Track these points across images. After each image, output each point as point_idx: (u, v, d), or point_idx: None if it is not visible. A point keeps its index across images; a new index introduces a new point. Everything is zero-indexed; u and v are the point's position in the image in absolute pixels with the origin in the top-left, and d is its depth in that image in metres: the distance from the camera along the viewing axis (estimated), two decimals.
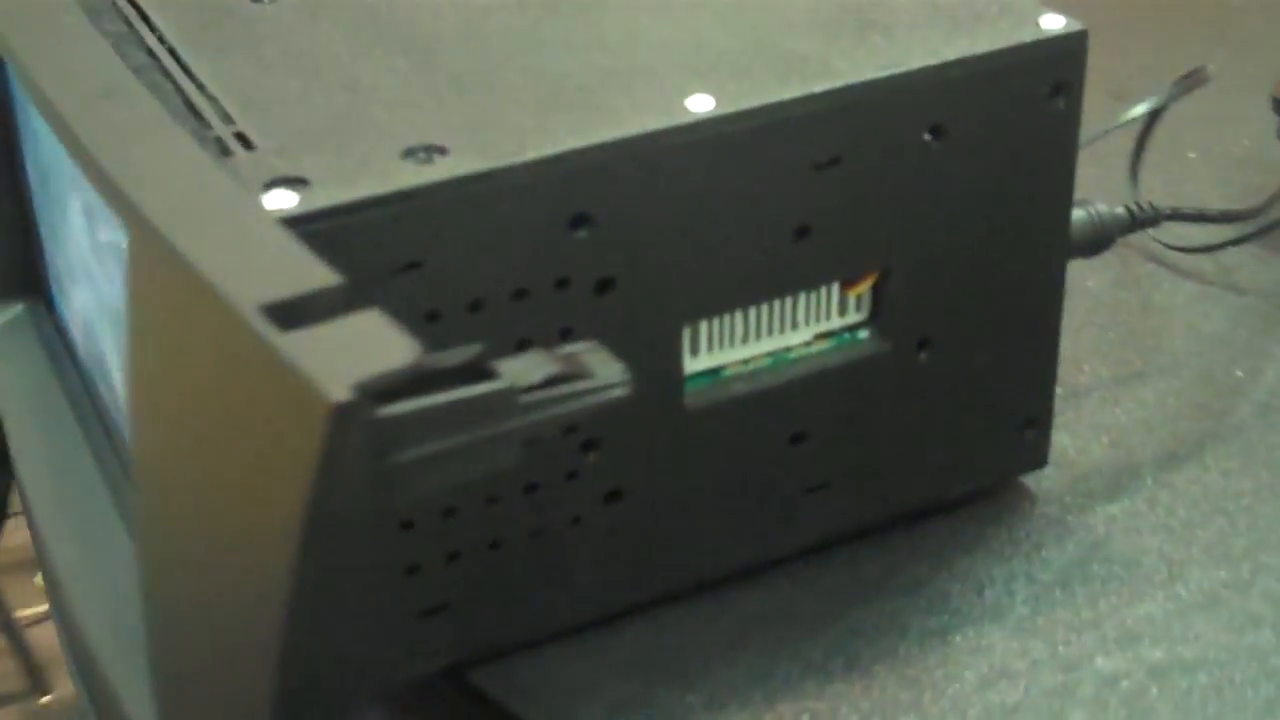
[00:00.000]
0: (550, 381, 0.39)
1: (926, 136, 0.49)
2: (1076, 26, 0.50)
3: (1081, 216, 0.55)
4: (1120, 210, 0.56)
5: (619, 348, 0.47)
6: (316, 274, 0.37)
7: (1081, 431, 0.59)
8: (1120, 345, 0.63)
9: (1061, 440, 0.58)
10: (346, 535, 0.37)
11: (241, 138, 0.45)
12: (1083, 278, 0.66)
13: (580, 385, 0.39)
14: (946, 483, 0.54)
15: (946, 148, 0.49)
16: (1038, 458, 0.56)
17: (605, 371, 0.39)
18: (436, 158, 0.44)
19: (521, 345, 0.46)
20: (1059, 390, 0.59)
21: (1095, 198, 0.57)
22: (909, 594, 0.52)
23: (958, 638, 0.51)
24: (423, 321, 0.44)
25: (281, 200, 0.42)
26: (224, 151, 0.45)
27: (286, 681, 0.38)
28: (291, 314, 0.36)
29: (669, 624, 0.51)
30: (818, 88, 0.47)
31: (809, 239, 0.48)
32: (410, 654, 0.49)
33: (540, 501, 0.48)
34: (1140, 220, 0.56)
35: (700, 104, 0.46)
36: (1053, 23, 0.50)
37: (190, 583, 0.41)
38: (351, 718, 0.43)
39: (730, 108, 0.46)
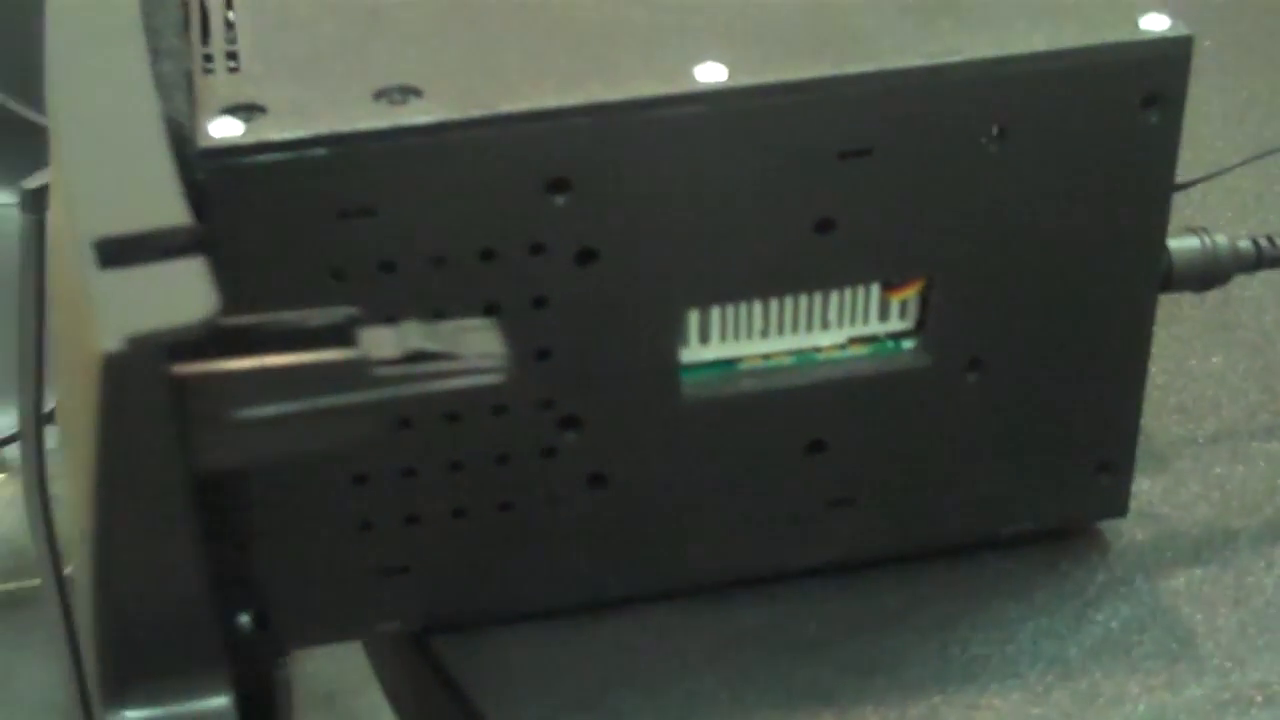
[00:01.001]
0: (413, 357, 0.36)
1: (983, 138, 0.44)
2: (1182, 31, 0.44)
3: (1192, 246, 0.48)
4: (1245, 243, 0.49)
5: (602, 325, 0.44)
6: (163, 212, 0.35)
7: (1191, 482, 0.52)
8: (1276, 392, 0.55)
9: (1164, 489, 0.52)
10: (155, 484, 0.35)
11: (232, 57, 0.43)
12: (1261, 309, 0.59)
13: (445, 365, 0.36)
14: (997, 518, 0.49)
15: (1008, 152, 0.44)
16: (1114, 505, 0.50)
17: (481, 353, 0.36)
18: (411, 99, 0.42)
19: (489, 309, 0.43)
20: (1179, 431, 0.54)
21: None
22: (923, 634, 0.48)
23: (957, 692, 0.46)
24: (377, 271, 0.42)
25: (227, 128, 0.41)
26: (207, 70, 0.43)
27: (106, 621, 0.37)
28: (117, 251, 0.34)
29: (653, 624, 0.48)
30: (850, 69, 0.43)
31: (833, 234, 0.44)
32: (370, 611, 0.47)
33: (511, 475, 0.45)
34: (1269, 258, 0.49)
35: (710, 73, 0.42)
36: (1154, 24, 0.44)
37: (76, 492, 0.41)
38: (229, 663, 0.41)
39: (743, 81, 0.42)
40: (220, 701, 0.39)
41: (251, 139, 0.40)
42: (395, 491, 0.45)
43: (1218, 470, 0.53)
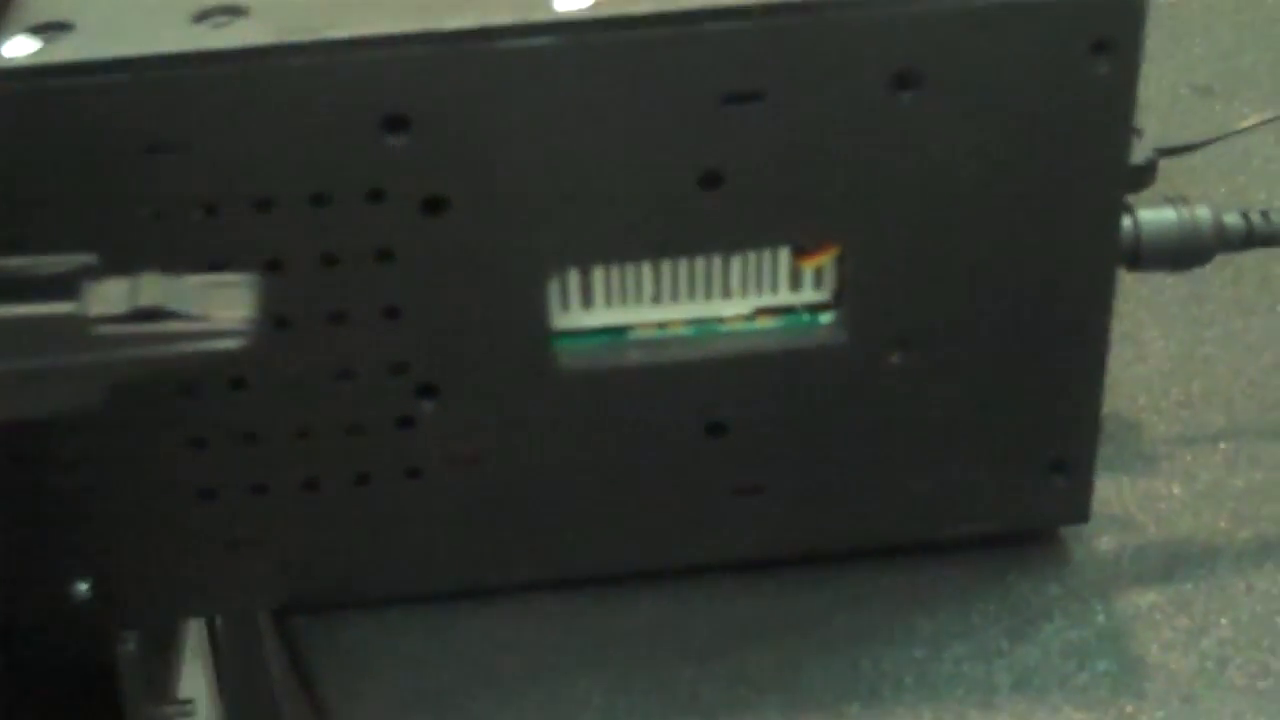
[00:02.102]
0: (143, 314, 0.32)
1: (892, 85, 0.38)
2: None
3: (1166, 218, 0.42)
4: (1233, 218, 0.43)
5: (458, 282, 0.39)
6: None
7: (1178, 488, 0.46)
8: None
9: (1144, 493, 0.46)
10: None
11: None
12: None
13: (177, 326, 0.32)
14: (933, 519, 0.43)
15: (924, 102, 0.38)
16: (1072, 510, 0.44)
17: (223, 314, 0.32)
18: (235, 21, 0.37)
19: (327, 260, 0.39)
20: (1176, 428, 0.47)
21: None
22: (830, 646, 0.42)
23: (857, 715, 0.41)
24: (198, 213, 0.38)
25: (19, 47, 0.36)
26: None
27: None
28: None
29: (531, 617, 0.43)
30: (730, 1, 0.37)
31: (721, 189, 0.39)
32: (221, 586, 0.43)
33: (367, 445, 0.41)
34: (1260, 235, 0.42)
35: (570, 1, 0.37)
36: None
37: None
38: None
39: (606, 11, 0.37)
40: None
41: (42, 60, 0.36)
42: (237, 458, 0.41)
43: (1210, 475, 0.46)
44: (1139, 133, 0.43)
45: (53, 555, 0.41)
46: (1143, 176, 0.42)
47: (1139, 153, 0.42)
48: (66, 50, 0.36)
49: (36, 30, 0.37)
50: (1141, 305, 0.51)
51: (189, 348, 0.31)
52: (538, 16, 0.37)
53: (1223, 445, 0.47)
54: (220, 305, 0.32)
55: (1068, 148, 0.39)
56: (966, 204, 0.39)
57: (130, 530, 0.42)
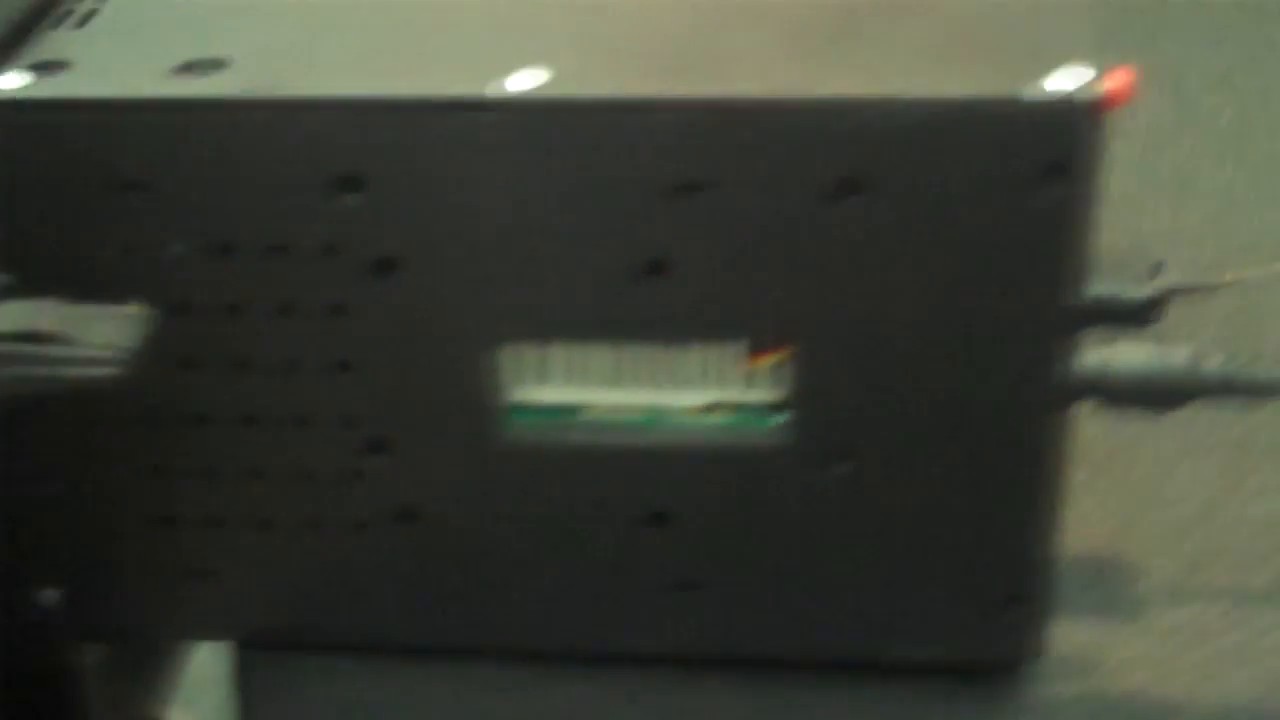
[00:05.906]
0: (22, 337, 0.33)
1: (837, 189, 0.38)
2: (1091, 94, 0.37)
3: (1139, 357, 0.41)
4: (1213, 365, 0.41)
5: (408, 344, 0.40)
6: None
7: (1147, 647, 0.44)
8: None
9: (1125, 641, 0.44)
10: None
11: (89, 15, 0.42)
12: None
13: (55, 351, 0.33)
14: (876, 638, 0.43)
15: (868, 210, 0.38)
16: (1024, 646, 0.43)
17: (100, 343, 0.33)
18: (210, 73, 0.39)
19: (282, 309, 0.40)
20: (1178, 582, 0.46)
21: None
22: None
23: None
24: (165, 253, 0.40)
25: (11, 81, 0.39)
26: (81, 23, 0.42)
27: None
28: None
29: (471, 681, 0.44)
30: (678, 93, 0.38)
31: (665, 278, 0.39)
32: (182, 613, 0.45)
33: (317, 492, 0.42)
34: (1240, 384, 0.41)
35: (522, 81, 0.38)
36: (1063, 81, 0.37)
37: None
38: None
39: (559, 92, 0.38)
40: None
41: (26, 95, 0.39)
42: (195, 489, 0.42)
43: (1186, 635, 0.44)
44: (1160, 266, 0.42)
45: (24, 561, 0.44)
46: (1148, 312, 0.41)
47: (1148, 288, 0.41)
48: (52, 88, 0.39)
49: (35, 67, 0.39)
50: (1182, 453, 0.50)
51: (60, 373, 0.33)
52: (490, 93, 0.38)
53: (1217, 606, 0.45)
54: (102, 335, 0.33)
55: (1014, 272, 0.38)
56: (910, 318, 0.39)
57: (96, 547, 0.43)
